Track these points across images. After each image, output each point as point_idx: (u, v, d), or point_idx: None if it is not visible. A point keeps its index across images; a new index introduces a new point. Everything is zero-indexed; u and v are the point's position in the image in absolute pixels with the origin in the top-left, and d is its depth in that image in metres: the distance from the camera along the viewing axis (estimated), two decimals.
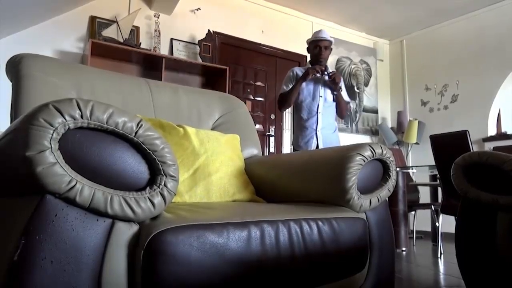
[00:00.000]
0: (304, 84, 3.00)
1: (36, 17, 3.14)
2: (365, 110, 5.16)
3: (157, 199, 0.84)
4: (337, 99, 3.05)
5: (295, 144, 3.10)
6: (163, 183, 0.86)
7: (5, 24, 2.87)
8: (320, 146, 2.92)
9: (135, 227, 0.84)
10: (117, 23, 3.36)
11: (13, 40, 3.09)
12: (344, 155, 1.30)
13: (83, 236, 0.76)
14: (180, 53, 3.82)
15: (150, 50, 3.54)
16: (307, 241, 1.04)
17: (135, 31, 3.59)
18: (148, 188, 0.84)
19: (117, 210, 0.79)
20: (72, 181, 0.74)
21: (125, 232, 0.81)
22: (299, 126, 3.07)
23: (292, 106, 3.17)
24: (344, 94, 3.13)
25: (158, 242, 0.80)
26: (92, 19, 3.44)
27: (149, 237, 0.80)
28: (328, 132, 3.03)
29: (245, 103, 4.24)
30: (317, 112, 2.98)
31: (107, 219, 0.79)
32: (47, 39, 3.23)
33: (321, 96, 3.00)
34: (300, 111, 3.06)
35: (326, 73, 3.00)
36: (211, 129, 1.77)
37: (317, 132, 2.97)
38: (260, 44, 4.45)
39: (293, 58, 4.71)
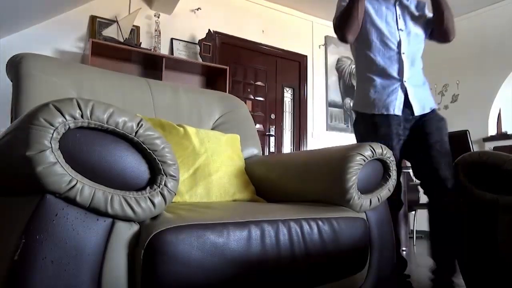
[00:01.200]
0: (370, 8, 1.81)
1: (37, 16, 3.14)
2: None
3: (158, 199, 0.84)
4: (439, 16, 1.81)
5: (363, 103, 1.85)
6: (163, 183, 0.86)
7: (5, 24, 2.87)
8: (415, 105, 1.79)
9: (135, 227, 0.84)
10: (118, 22, 3.36)
11: (13, 40, 3.09)
12: (344, 155, 1.30)
13: (83, 236, 0.76)
14: (180, 52, 3.82)
15: (151, 49, 3.54)
16: (307, 241, 1.04)
17: (135, 30, 3.59)
18: (148, 187, 0.84)
19: (117, 210, 0.79)
20: (72, 181, 0.74)
21: (125, 231, 0.81)
22: (369, 77, 1.84)
23: (353, 43, 1.89)
24: None
25: (158, 242, 0.80)
26: (93, 18, 3.44)
27: (149, 236, 0.80)
28: (417, 84, 1.84)
29: (245, 103, 4.25)
30: (399, 52, 1.79)
31: (107, 218, 0.80)
32: (47, 38, 3.23)
33: (401, 29, 1.82)
34: (368, 52, 1.83)
35: None
36: (211, 129, 1.77)
37: (404, 82, 1.79)
38: (260, 44, 4.45)
39: (294, 58, 4.71)
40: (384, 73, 1.80)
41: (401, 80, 1.79)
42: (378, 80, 1.81)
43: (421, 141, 1.78)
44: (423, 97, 1.84)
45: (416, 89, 1.81)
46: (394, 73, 1.80)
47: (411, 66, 1.81)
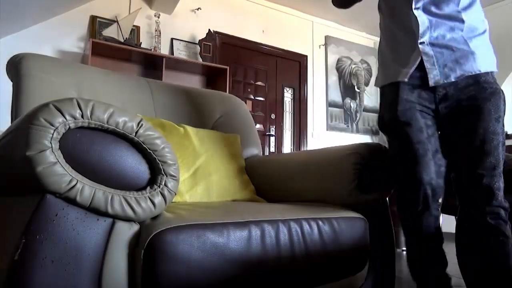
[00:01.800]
0: None
1: (37, 16, 3.14)
2: (366, 109, 5.16)
3: (158, 199, 0.84)
4: None
5: (380, 78, 1.48)
6: (163, 183, 0.86)
7: (5, 24, 2.87)
8: (430, 72, 1.29)
9: (135, 227, 0.84)
10: (118, 22, 3.36)
11: (13, 40, 3.09)
12: (344, 154, 1.30)
13: (83, 236, 0.76)
14: (180, 52, 3.82)
15: (151, 49, 3.54)
16: (307, 241, 1.04)
17: (135, 30, 3.59)
18: (148, 187, 0.84)
19: (117, 210, 0.79)
20: (72, 181, 0.74)
21: (125, 231, 0.82)
22: (381, 48, 1.51)
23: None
24: None
25: (159, 242, 0.80)
26: (93, 18, 3.44)
27: (149, 236, 0.80)
28: (449, 40, 1.32)
29: (246, 102, 4.25)
30: (411, 7, 1.33)
31: (107, 218, 0.80)
32: (47, 38, 3.23)
33: None
34: (382, 19, 1.51)
35: None
36: (212, 129, 1.77)
37: (419, 45, 1.32)
38: (260, 44, 4.44)
39: (294, 58, 4.70)
40: (394, 39, 1.42)
41: (416, 42, 1.32)
42: (388, 48, 1.44)
43: (452, 131, 1.30)
44: (455, 58, 1.30)
45: (440, 50, 1.30)
46: (407, 36, 1.36)
47: (433, 19, 1.33)
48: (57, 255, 0.73)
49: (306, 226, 1.06)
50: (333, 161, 1.33)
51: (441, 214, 3.23)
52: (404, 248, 3.46)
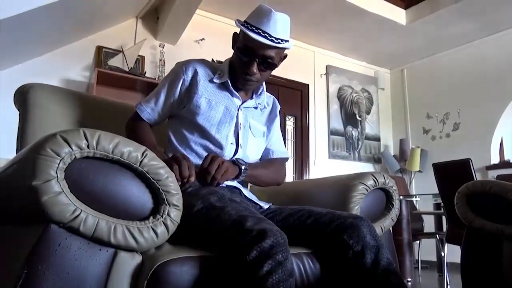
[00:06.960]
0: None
1: (45, 47, 3.21)
2: (367, 138, 5.18)
3: (160, 229, 0.84)
4: None
5: None
6: (166, 213, 0.85)
7: (13, 54, 2.94)
8: None
9: (138, 257, 0.83)
10: (123, 52, 3.44)
11: (21, 70, 3.14)
12: (346, 184, 1.30)
13: (85, 266, 0.75)
14: None
15: (155, 78, 3.60)
16: (309, 275, 1.03)
17: (140, 60, 3.66)
18: (151, 217, 0.84)
19: (120, 240, 0.79)
20: (76, 210, 0.74)
21: (127, 262, 0.81)
22: None
23: None
24: None
25: (162, 273, 0.79)
26: (99, 49, 3.51)
27: (153, 267, 0.80)
28: None
29: None
30: None
31: (109, 248, 0.79)
32: (54, 68, 3.29)
33: None
34: None
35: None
36: None
37: None
38: None
39: (296, 87, 4.77)
40: None
41: None
42: None
43: None
44: None
45: None
46: None
47: None
48: (59, 285, 0.72)
49: (307, 260, 1.05)
50: (335, 190, 1.33)
51: (446, 244, 3.19)
52: (409, 279, 3.39)
